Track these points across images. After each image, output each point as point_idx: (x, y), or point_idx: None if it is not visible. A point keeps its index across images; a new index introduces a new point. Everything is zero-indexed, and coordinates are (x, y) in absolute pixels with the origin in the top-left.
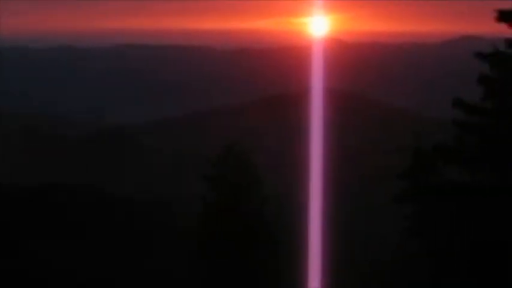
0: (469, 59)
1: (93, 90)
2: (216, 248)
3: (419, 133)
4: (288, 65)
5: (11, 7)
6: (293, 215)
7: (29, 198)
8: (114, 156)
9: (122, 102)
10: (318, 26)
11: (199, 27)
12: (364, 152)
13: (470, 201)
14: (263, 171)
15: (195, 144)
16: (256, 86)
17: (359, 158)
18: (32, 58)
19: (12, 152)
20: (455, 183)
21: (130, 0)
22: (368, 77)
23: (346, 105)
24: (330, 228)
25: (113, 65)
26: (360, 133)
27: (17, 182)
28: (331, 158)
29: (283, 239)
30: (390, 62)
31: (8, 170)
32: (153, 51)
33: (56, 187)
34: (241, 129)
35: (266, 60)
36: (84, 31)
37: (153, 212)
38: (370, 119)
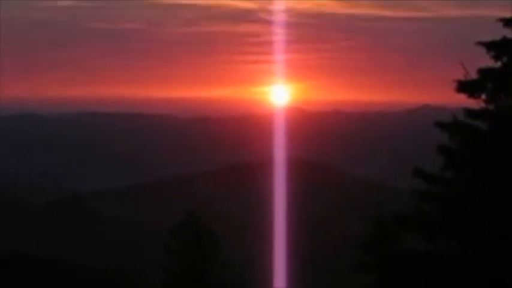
0: (430, 128)
1: (53, 157)
2: None
3: (381, 202)
4: (249, 134)
5: None
6: (256, 281)
7: None
8: (75, 224)
9: (82, 169)
10: (279, 95)
11: (160, 96)
12: (328, 220)
13: (430, 270)
14: (224, 238)
15: (155, 212)
16: (217, 154)
17: (322, 226)
18: None
19: None
20: (416, 252)
21: (91, 69)
22: (330, 146)
23: (308, 174)
24: None
25: (73, 132)
26: (323, 202)
27: None
28: (293, 226)
29: None
30: (352, 131)
31: None
32: (113, 119)
33: (18, 256)
34: (202, 197)
35: (227, 128)
36: (45, 98)
37: (114, 280)
38: (333, 188)
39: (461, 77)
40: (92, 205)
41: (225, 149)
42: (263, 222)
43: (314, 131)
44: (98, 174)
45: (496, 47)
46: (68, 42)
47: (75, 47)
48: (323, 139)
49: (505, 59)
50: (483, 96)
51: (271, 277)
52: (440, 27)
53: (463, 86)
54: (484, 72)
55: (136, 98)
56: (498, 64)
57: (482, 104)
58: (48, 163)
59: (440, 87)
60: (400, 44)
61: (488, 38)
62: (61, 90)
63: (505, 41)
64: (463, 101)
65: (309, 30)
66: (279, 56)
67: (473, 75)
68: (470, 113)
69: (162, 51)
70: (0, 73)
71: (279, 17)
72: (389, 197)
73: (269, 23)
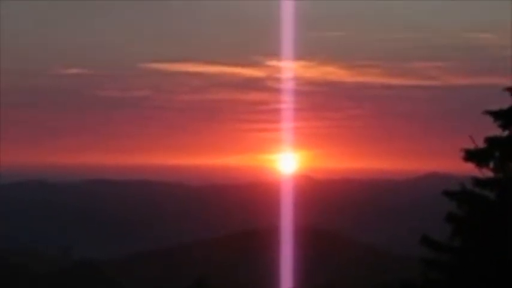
0: (438, 196)
1: (62, 224)
2: None
3: (389, 270)
4: (258, 201)
5: None
6: None
7: None
8: None
9: (92, 236)
10: (287, 163)
11: (168, 163)
12: None
13: None
14: None
15: (164, 279)
16: (225, 221)
17: None
18: None
19: None
20: None
21: (98, 137)
22: (338, 214)
23: (316, 242)
24: None
25: (79, 200)
26: (332, 269)
27: None
28: None
29: None
30: (360, 199)
31: None
32: (121, 187)
33: None
34: (211, 263)
35: (235, 196)
36: (51, 165)
37: None
38: (341, 256)
39: (469, 146)
40: (103, 272)
41: (233, 216)
42: None
43: (322, 198)
44: (110, 242)
45: (504, 116)
46: (75, 110)
47: (82, 115)
48: (331, 207)
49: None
50: (491, 165)
51: None
52: (448, 96)
53: (471, 155)
54: (491, 141)
55: (144, 166)
56: (506, 133)
57: (490, 173)
58: (52, 231)
59: (448, 155)
60: (408, 111)
61: (496, 107)
62: (67, 157)
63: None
64: (471, 169)
65: (317, 98)
66: (287, 124)
67: (481, 144)
68: (478, 182)
69: (169, 119)
70: (6, 140)
71: (287, 85)
72: (397, 265)
73: (277, 91)
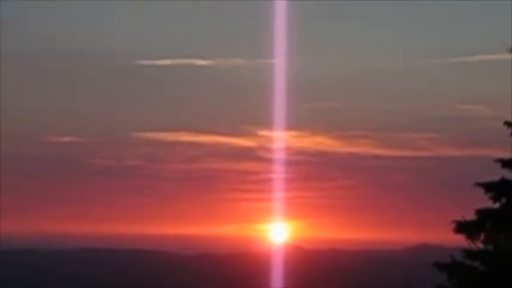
0: (429, 267)
1: None
2: None
3: None
4: (249, 271)
5: None
6: None
7: None
8: None
9: None
10: (278, 233)
11: (160, 232)
12: None
13: None
14: None
15: None
16: None
17: None
18: None
19: None
20: None
21: (91, 205)
22: (328, 284)
23: None
24: None
25: (76, 269)
26: None
27: None
28: None
29: None
30: (350, 269)
31: None
32: (116, 256)
33: None
34: None
35: (226, 265)
36: (44, 234)
37: None
38: None
39: (460, 217)
40: None
41: (224, 286)
42: None
43: (312, 268)
44: None
45: (495, 188)
46: (68, 178)
47: (75, 183)
48: (322, 277)
49: (503, 200)
50: (482, 237)
51: None
52: (439, 167)
53: (462, 227)
54: (482, 213)
55: (136, 235)
56: (497, 205)
57: (481, 245)
58: None
59: (439, 226)
60: (398, 182)
61: (487, 179)
62: (60, 226)
63: (503, 182)
64: (461, 240)
65: (308, 168)
66: (279, 193)
67: (472, 215)
68: (468, 253)
69: (162, 188)
70: None
71: (278, 155)
72: None
73: (269, 161)
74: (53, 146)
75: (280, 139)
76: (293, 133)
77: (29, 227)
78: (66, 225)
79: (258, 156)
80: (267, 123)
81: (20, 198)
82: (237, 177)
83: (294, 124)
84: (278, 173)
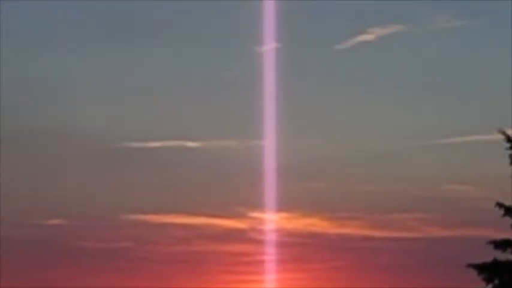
0: None
1: None
2: None
3: None
4: None
5: None
6: None
7: None
8: None
9: None
10: None
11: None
12: None
13: None
14: None
15: None
16: None
17: None
18: None
19: None
20: None
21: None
22: None
23: None
24: None
25: None
26: None
27: None
28: None
29: None
30: None
31: None
32: None
33: None
34: None
35: None
36: None
37: None
38: None
39: None
40: None
41: None
42: None
43: None
44: None
45: (487, 270)
46: (55, 261)
47: (62, 266)
48: None
49: (496, 281)
50: None
51: None
52: (430, 247)
53: None
54: None
55: None
56: (490, 287)
57: None
58: None
59: None
60: (389, 263)
61: (479, 260)
62: None
63: (495, 263)
64: None
65: (299, 250)
66: (270, 275)
67: None
68: None
69: (153, 270)
70: None
71: (269, 237)
72: None
73: (260, 242)
74: (41, 228)
75: (271, 221)
76: (284, 214)
77: None
78: None
79: (250, 237)
80: (258, 205)
81: (6, 282)
82: (229, 259)
83: (285, 206)
84: (269, 255)
